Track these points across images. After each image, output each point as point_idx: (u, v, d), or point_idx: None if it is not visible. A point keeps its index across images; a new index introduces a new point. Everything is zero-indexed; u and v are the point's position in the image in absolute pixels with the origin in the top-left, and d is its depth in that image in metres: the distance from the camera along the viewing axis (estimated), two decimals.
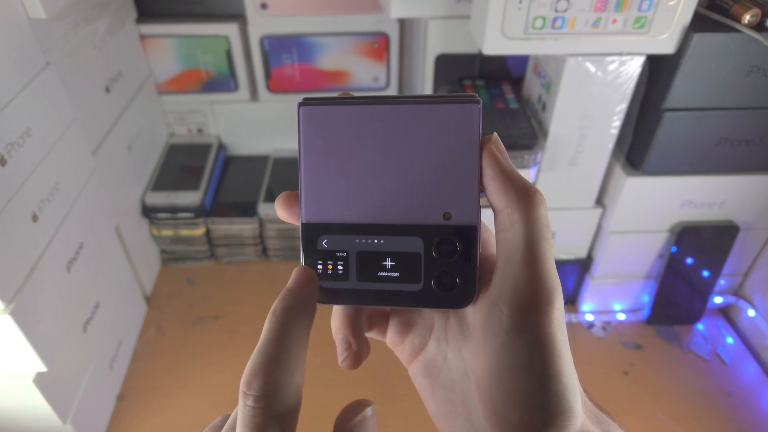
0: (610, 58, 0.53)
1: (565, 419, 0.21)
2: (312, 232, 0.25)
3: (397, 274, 0.25)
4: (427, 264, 0.24)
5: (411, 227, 0.24)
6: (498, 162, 0.23)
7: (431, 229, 0.24)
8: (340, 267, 0.25)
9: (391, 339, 0.29)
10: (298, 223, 0.26)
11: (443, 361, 0.27)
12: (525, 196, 0.22)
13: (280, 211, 0.26)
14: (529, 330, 0.21)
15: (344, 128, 0.24)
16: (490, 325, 0.23)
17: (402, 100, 0.24)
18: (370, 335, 0.30)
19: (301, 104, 0.24)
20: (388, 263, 0.25)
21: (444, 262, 0.24)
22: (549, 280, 0.22)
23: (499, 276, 0.23)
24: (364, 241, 0.25)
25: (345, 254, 0.25)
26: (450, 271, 0.24)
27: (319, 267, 0.25)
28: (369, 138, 0.24)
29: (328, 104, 0.24)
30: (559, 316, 0.22)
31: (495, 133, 0.24)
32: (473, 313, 0.25)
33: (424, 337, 0.28)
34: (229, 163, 0.87)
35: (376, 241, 0.25)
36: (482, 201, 0.25)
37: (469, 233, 0.24)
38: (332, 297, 0.25)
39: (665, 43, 0.51)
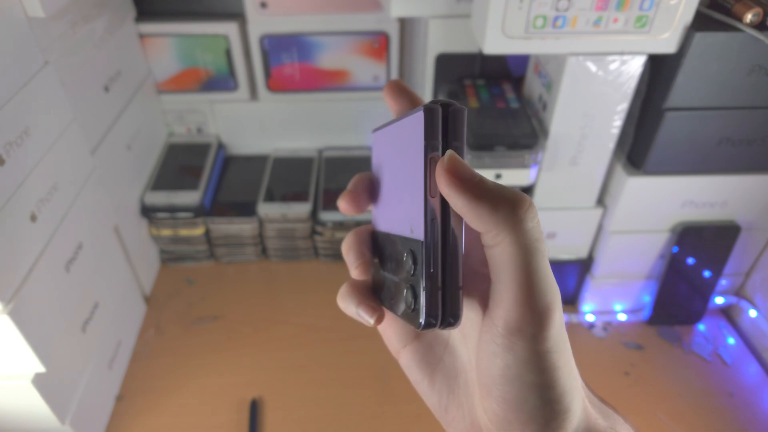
0: (611, 58, 0.53)
1: (561, 421, 0.22)
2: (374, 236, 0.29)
3: (393, 282, 0.25)
4: (405, 277, 0.23)
5: (396, 238, 0.25)
6: (458, 189, 0.20)
7: (404, 241, 0.23)
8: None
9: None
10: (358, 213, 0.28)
11: (443, 349, 0.27)
12: (505, 214, 0.20)
13: (344, 205, 0.27)
14: (519, 350, 0.21)
15: (380, 147, 0.27)
16: (486, 333, 0.22)
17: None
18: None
19: (374, 130, 0.28)
20: (389, 269, 0.26)
21: (409, 277, 0.23)
22: (541, 300, 0.20)
23: (492, 292, 0.22)
24: (380, 247, 0.27)
25: (375, 258, 0.28)
26: (412, 288, 0.22)
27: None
28: (383, 156, 0.27)
29: (383, 126, 0.27)
30: (554, 334, 0.21)
31: (449, 151, 0.21)
32: (473, 317, 0.24)
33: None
34: (228, 162, 0.87)
35: (384, 249, 0.27)
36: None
37: (418, 249, 0.22)
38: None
39: (666, 43, 0.51)
